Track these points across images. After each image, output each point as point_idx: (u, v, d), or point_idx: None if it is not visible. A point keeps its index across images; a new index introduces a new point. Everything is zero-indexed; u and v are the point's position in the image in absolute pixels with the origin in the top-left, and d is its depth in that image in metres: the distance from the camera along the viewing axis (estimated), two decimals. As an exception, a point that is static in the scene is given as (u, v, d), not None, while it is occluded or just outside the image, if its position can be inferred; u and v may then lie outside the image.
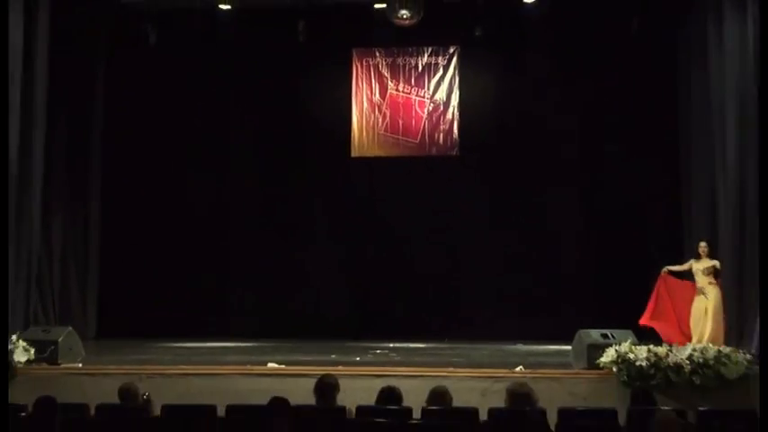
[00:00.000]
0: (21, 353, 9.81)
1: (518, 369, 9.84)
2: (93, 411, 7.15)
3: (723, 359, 9.30)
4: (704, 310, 11.24)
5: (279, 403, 6.41)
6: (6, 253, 8.34)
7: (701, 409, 7.65)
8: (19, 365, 9.71)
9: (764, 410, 4.46)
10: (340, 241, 14.28)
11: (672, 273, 11.67)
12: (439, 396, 7.15)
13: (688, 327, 11.35)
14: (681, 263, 11.74)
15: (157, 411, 7.22)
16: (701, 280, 11.39)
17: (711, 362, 9.26)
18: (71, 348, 10.32)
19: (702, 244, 11.53)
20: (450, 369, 9.77)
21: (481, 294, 13.81)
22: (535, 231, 13.75)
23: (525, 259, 13.78)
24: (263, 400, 6.70)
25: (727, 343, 10.54)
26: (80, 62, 13.06)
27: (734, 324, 11.30)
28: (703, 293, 11.34)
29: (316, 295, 14.18)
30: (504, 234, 13.84)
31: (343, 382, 7.32)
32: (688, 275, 11.57)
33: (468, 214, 14.05)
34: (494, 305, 13.71)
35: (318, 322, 13.70)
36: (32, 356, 9.88)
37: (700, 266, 11.44)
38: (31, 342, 10.02)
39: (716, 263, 11.36)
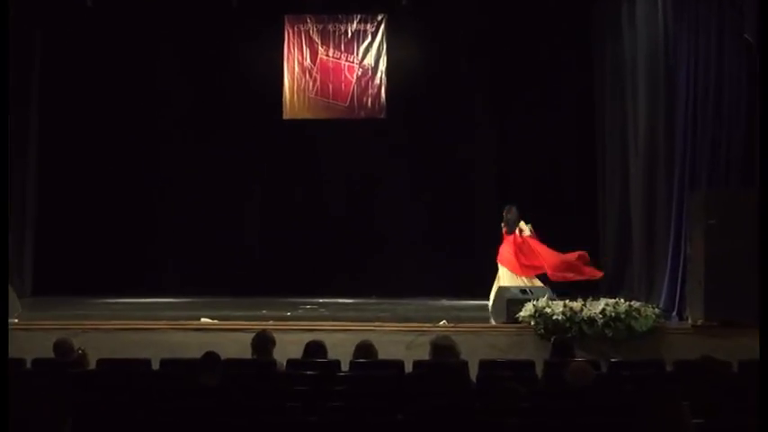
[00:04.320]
0: (-44, 309, 9.53)
1: (442, 323, 9.87)
2: (29, 365, 7.04)
3: (633, 313, 9.41)
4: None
5: (210, 357, 6.39)
6: (6, 252, 8.09)
7: (612, 360, 7.85)
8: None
9: (764, 408, 4.75)
10: (272, 200, 14.22)
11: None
12: (364, 349, 7.20)
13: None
14: (593, 219, 12.19)
15: (92, 365, 7.14)
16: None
17: (623, 315, 9.36)
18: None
19: (511, 208, 11.83)
20: (377, 323, 9.79)
21: (407, 252, 13.82)
22: (457, 189, 13.84)
23: (450, 217, 13.81)
24: (196, 353, 6.72)
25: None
26: (17, 26, 12.58)
27: (643, 278, 11.48)
28: None
29: (248, 253, 14.09)
30: (428, 191, 13.89)
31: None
32: None
33: (394, 173, 14.07)
34: (419, 262, 13.72)
35: (250, 279, 13.59)
36: (-32, 312, 9.61)
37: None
38: (-33, 298, 9.70)
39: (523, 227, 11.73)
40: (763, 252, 8.21)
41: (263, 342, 7.30)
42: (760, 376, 5.31)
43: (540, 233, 11.84)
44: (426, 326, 9.69)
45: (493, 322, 10.23)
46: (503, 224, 11.88)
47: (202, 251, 14.01)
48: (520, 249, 11.56)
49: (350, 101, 14.02)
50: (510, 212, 11.95)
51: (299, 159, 14.19)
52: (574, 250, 11.47)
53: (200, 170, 14.11)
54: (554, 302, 9.63)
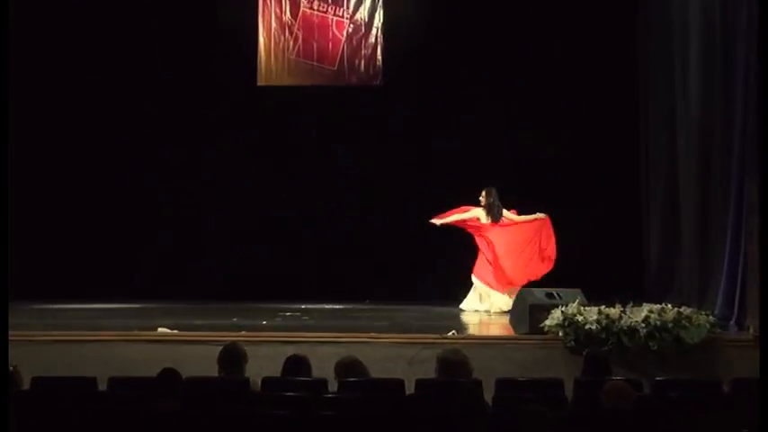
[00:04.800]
0: None
1: (450, 334, 9.88)
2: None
3: (683, 321, 9.42)
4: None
5: (169, 375, 6.42)
6: (7, 252, 8.34)
7: (657, 378, 7.83)
8: None
9: (764, 409, 4.85)
10: (244, 186, 14.23)
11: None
12: (348, 367, 7.23)
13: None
14: (633, 209, 12.37)
15: (26, 385, 7.15)
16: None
17: (670, 324, 9.37)
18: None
19: (491, 190, 12.44)
20: (372, 334, 9.78)
21: (408, 248, 13.78)
22: (468, 175, 13.59)
23: (460, 207, 13.40)
24: (152, 371, 6.75)
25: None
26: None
27: (695, 280, 11.56)
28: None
29: (215, 249, 14.13)
30: (433, 178, 13.83)
31: (247, 350, 7.45)
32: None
33: (391, 153, 14.06)
34: (422, 260, 13.73)
35: (218, 280, 13.67)
36: None
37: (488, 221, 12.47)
38: None
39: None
40: (763, 252, 8.35)
41: (234, 356, 7.33)
42: (760, 375, 5.51)
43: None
44: (431, 337, 9.69)
45: (513, 332, 10.27)
46: (481, 212, 12.29)
47: (161, 246, 14.08)
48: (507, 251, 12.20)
49: (339, 64, 14.01)
50: (491, 195, 12.27)
51: (276, 137, 14.20)
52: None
53: (160, 150, 14.21)
54: (587, 308, 9.63)
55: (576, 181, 13.60)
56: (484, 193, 12.60)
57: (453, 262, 13.18)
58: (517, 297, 10.57)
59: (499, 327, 11.25)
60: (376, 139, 14.11)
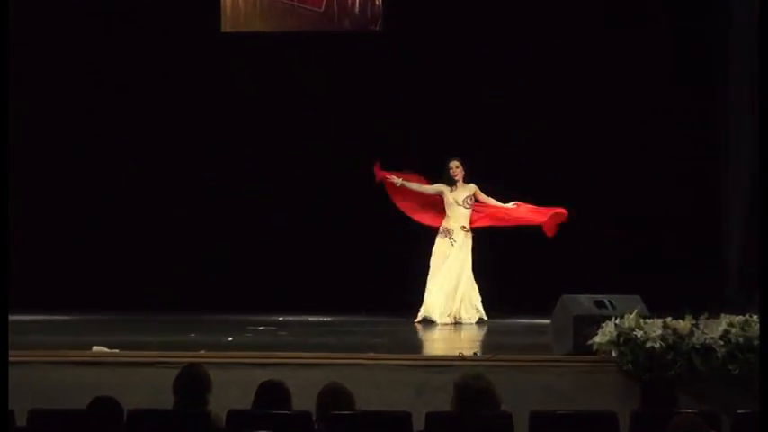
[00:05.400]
0: None
1: (471, 354, 9.88)
2: None
3: (773, 338, 9.39)
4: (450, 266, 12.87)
5: (105, 406, 6.39)
6: (6, 252, 8.83)
7: (739, 411, 7.70)
8: None
9: (764, 410, 4.75)
10: (205, 158, 14.41)
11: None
12: (330, 396, 7.23)
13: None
14: (710, 197, 12.54)
15: None
16: (457, 217, 12.99)
17: (756, 342, 9.23)
18: None
19: (455, 163, 12.82)
20: (369, 355, 9.73)
21: (414, 243, 13.64)
22: (496, 143, 13.92)
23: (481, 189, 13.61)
24: (83, 400, 6.74)
25: None
26: None
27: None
28: (450, 237, 12.96)
29: (166, 243, 14.26)
30: (448, 147, 13.71)
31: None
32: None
33: (393, 117, 14.10)
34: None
35: (173, 286, 13.76)
36: None
37: (458, 195, 12.89)
38: None
39: (475, 189, 12.96)
40: (764, 252, 8.66)
41: (193, 383, 7.33)
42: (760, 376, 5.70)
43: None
44: (446, 358, 9.72)
45: (552, 352, 10.22)
46: (444, 189, 12.89)
47: (96, 242, 14.24)
48: None
49: (327, 4, 14.12)
50: (460, 167, 12.70)
51: (244, 99, 14.34)
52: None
53: (106, 126, 14.45)
54: (648, 321, 9.53)
55: (632, 170, 13.97)
56: (455, 164, 12.85)
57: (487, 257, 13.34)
58: (558, 306, 10.49)
59: (534, 344, 11.13)
60: (373, 99, 14.14)
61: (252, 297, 13.54)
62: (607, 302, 10.10)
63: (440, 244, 13.07)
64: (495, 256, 13.36)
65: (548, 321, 10.70)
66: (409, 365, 9.52)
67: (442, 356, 9.88)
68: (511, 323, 12.79)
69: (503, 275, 13.46)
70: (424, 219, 13.31)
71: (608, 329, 9.54)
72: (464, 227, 13.02)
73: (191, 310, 12.91)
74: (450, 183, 13.03)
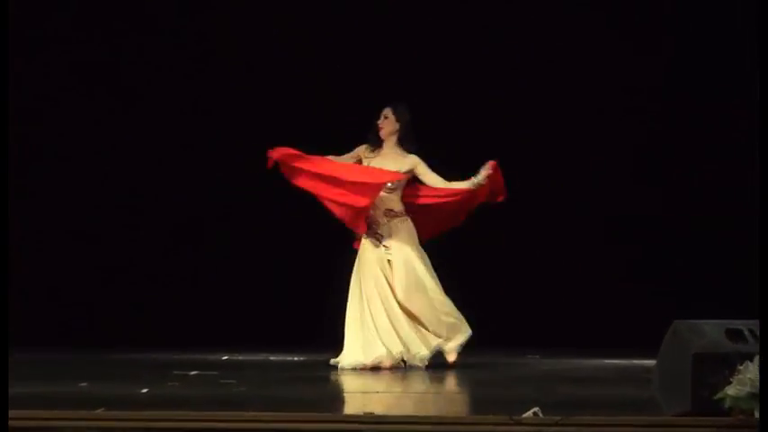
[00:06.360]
0: None
1: (531, 413, 7.97)
2: None
3: None
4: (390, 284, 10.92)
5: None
6: (6, 252, 8.50)
7: None
8: None
9: (764, 412, 5.51)
10: (148, 153, 14.09)
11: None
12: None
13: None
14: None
15: None
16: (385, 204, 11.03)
17: None
18: None
19: (387, 110, 10.95)
20: (371, 414, 7.90)
21: (444, 258, 12.40)
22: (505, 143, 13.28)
23: (538, 194, 13.67)
24: None
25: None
26: None
27: None
28: (376, 237, 10.92)
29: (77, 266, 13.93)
30: (449, 147, 12.99)
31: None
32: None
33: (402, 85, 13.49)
34: (464, 277, 12.69)
35: (65, 313, 13.68)
36: None
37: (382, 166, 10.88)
38: None
39: (417, 163, 10.91)
40: (763, 252, 8.07)
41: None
42: (760, 381, 6.42)
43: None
44: (496, 420, 7.80)
45: (661, 411, 8.29)
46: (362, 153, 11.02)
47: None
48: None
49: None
50: (391, 117, 10.88)
51: (204, 70, 14.28)
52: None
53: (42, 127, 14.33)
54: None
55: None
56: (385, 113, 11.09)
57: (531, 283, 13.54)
58: (667, 336, 8.43)
59: (624, 397, 9.48)
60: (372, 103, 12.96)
61: (185, 326, 13.19)
62: (747, 332, 7.97)
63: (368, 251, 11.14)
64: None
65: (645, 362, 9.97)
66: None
67: (489, 417, 7.82)
68: (590, 364, 11.87)
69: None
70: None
71: (749, 376, 7.68)
72: (400, 215, 11.05)
73: (91, 346, 12.64)
74: (374, 143, 11.00)
